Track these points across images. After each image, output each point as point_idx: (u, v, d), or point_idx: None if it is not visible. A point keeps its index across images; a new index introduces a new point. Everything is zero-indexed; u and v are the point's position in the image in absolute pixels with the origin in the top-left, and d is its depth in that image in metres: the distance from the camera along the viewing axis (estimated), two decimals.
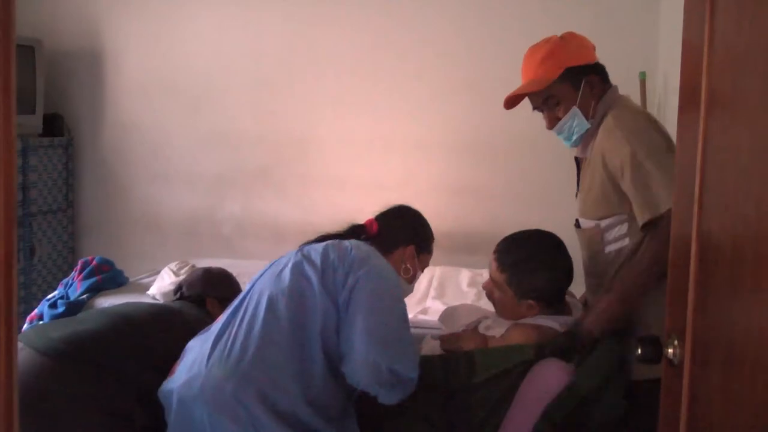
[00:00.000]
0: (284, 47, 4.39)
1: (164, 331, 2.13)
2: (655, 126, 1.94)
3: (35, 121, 4.36)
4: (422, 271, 2.18)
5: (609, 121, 1.97)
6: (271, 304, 1.85)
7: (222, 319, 1.94)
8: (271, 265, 2.01)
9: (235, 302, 1.97)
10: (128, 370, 1.96)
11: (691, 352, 1.18)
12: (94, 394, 1.89)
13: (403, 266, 2.09)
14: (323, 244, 1.97)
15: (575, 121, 2.04)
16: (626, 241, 1.97)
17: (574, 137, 2.07)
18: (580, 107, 2.02)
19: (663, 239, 1.72)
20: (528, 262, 2.05)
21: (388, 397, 1.82)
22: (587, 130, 2.05)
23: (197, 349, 1.89)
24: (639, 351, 1.29)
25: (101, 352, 1.96)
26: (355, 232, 2.10)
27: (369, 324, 1.79)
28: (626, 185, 1.90)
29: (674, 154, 1.69)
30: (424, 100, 4.20)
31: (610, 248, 2.01)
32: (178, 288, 2.52)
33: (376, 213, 2.17)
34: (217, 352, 1.82)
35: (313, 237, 2.09)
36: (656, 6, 3.83)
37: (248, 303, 1.91)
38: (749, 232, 1.01)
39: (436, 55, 4.17)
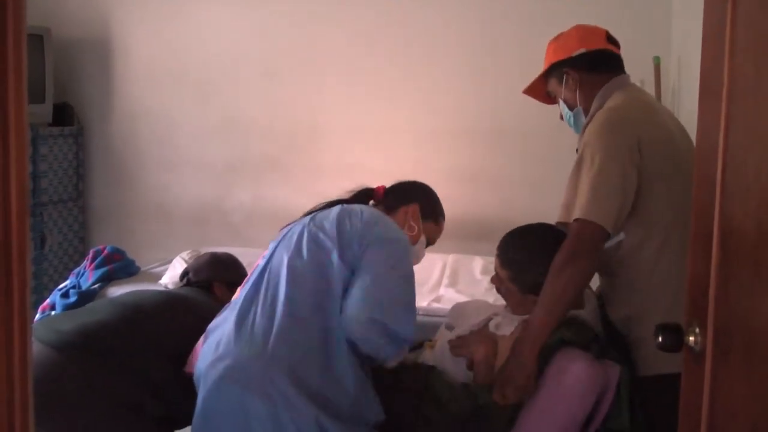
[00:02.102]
0: (293, 35, 4.36)
1: (174, 319, 2.12)
2: (629, 133, 1.89)
3: (45, 111, 4.35)
4: (428, 241, 2.20)
5: (598, 113, 2.00)
6: (293, 279, 1.86)
7: (241, 296, 1.92)
8: (283, 237, 2.00)
9: (253, 276, 1.95)
10: (139, 360, 1.95)
11: (713, 340, 1.16)
12: (106, 385, 1.88)
13: (407, 224, 2.11)
14: (335, 212, 1.96)
15: (565, 111, 2.16)
16: (621, 236, 1.94)
17: (573, 127, 2.18)
18: (564, 99, 2.14)
19: (562, 263, 1.82)
20: (529, 258, 2.02)
21: (381, 350, 1.83)
22: (585, 123, 2.07)
23: (220, 330, 1.88)
24: (659, 339, 1.27)
25: (111, 344, 1.95)
26: (364, 195, 2.16)
27: (367, 282, 1.82)
28: (570, 177, 1.95)
29: (620, 174, 1.82)
30: (434, 87, 4.17)
31: (608, 242, 1.97)
32: (185, 274, 2.50)
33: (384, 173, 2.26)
34: (243, 332, 1.81)
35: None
36: None
37: (269, 278, 1.90)
38: None
39: (446, 41, 4.13)
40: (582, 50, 2.07)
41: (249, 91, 4.46)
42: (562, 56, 2.10)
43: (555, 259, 1.84)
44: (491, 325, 2.11)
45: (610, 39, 2.12)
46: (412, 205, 2.14)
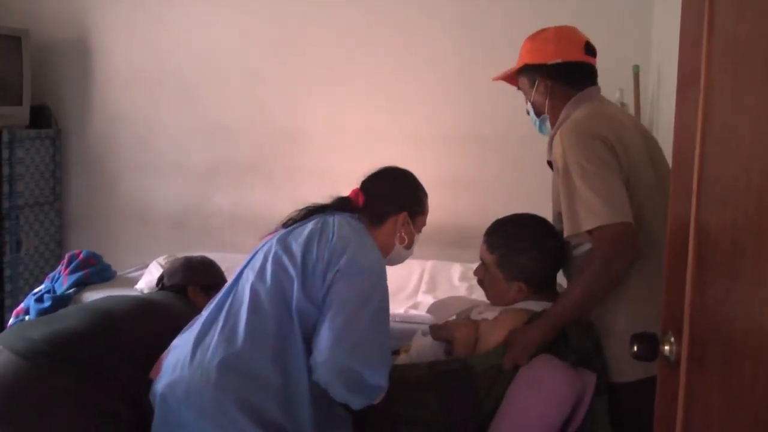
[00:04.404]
0: (275, 38, 4.35)
1: (146, 325, 2.08)
2: (602, 137, 1.85)
3: (22, 113, 4.30)
4: (420, 232, 2.10)
5: (564, 125, 1.95)
6: (255, 306, 1.80)
7: (204, 314, 1.89)
8: (253, 255, 1.95)
9: (219, 296, 1.91)
10: (111, 367, 1.90)
11: (689, 350, 1.15)
12: (78, 395, 1.83)
13: (398, 235, 2.02)
14: (307, 231, 1.89)
15: (531, 114, 2.12)
16: (588, 246, 1.90)
17: (537, 128, 2.15)
18: (533, 102, 2.09)
19: (595, 271, 1.78)
20: (517, 242, 2.03)
21: (352, 400, 1.77)
22: (552, 133, 2.05)
23: (180, 349, 1.84)
24: (634, 348, 1.26)
25: (83, 351, 1.90)
26: (341, 204, 2.04)
27: (337, 323, 1.74)
28: (561, 193, 1.88)
29: (612, 172, 1.79)
30: (416, 93, 4.17)
31: (578, 252, 1.97)
32: (160, 278, 2.48)
33: (362, 178, 2.12)
34: (198, 355, 1.77)
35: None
36: None
37: (232, 302, 1.85)
38: (749, 225, 0.98)
39: (428, 47, 4.14)
40: (558, 60, 2.02)
41: (230, 94, 4.44)
42: (537, 60, 2.05)
43: (590, 265, 1.80)
44: (473, 313, 2.13)
45: (588, 48, 2.06)
46: (401, 214, 2.03)
